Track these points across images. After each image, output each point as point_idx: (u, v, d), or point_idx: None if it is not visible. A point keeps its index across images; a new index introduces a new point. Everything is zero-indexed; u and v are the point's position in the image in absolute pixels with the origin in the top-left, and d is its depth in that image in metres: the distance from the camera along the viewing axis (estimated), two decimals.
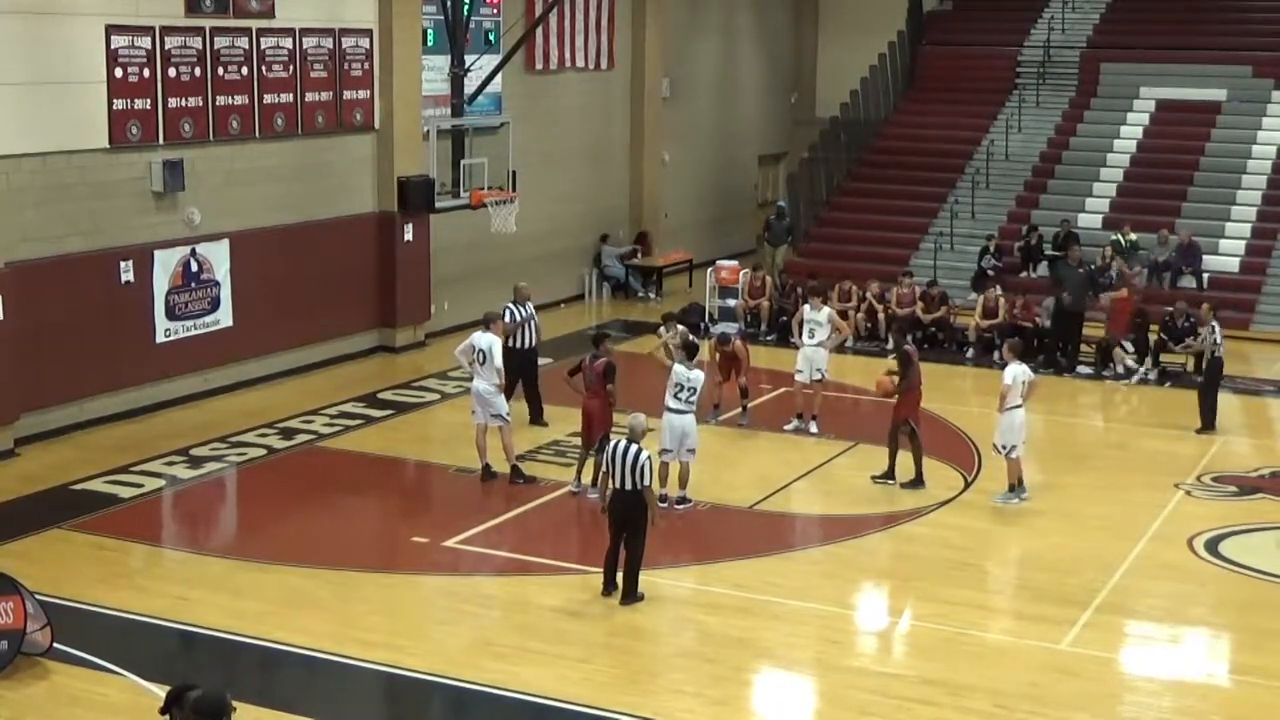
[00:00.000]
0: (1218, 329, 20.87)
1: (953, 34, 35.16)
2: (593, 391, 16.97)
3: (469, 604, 14.15)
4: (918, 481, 17.67)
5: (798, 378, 20.16)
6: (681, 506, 16.68)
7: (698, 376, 16.79)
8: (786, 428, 20.08)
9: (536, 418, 19.84)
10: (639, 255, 30.18)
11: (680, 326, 20.18)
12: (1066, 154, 31.30)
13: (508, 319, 19.24)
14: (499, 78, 25.27)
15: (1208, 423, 20.49)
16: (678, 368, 16.83)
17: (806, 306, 20.63)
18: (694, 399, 16.69)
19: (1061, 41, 33.86)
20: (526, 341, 19.76)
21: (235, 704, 8.52)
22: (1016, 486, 17.23)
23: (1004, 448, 17.14)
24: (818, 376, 19.86)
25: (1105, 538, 16.14)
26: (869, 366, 23.88)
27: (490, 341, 17.46)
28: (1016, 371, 17.12)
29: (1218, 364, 20.75)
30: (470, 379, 17.85)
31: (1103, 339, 24.16)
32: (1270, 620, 14.07)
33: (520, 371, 19.44)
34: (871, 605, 14.74)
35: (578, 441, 17.38)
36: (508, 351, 18.30)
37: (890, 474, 17.77)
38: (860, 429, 19.20)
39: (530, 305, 20.06)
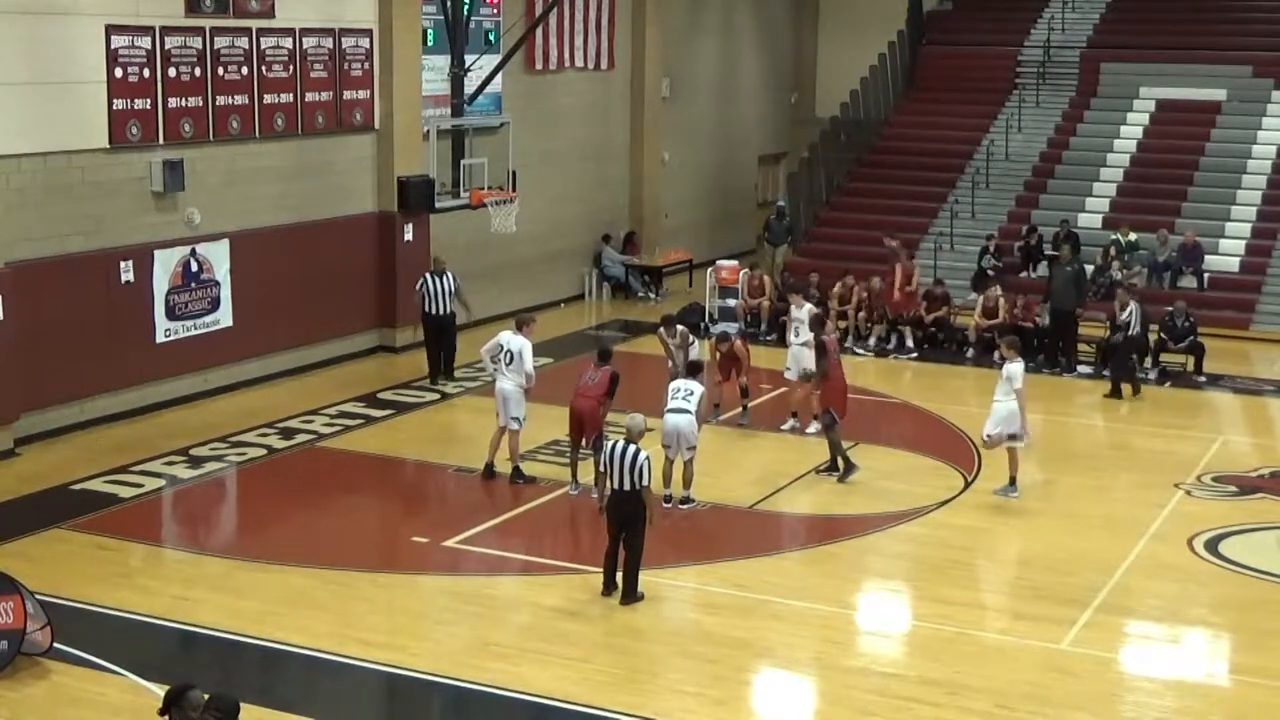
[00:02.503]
0: (1137, 310, 22.59)
1: (953, 34, 35.16)
2: (587, 393, 17.00)
3: (469, 604, 14.15)
4: (834, 469, 17.86)
5: (786, 375, 20.27)
6: (686, 506, 16.70)
7: (698, 387, 17.05)
8: (783, 427, 20.08)
9: (441, 372, 22.22)
10: (627, 251, 30.15)
11: (680, 327, 20.20)
12: (1066, 154, 31.30)
13: (418, 286, 22.11)
14: (499, 78, 25.27)
15: (1115, 390, 22.26)
16: (679, 381, 17.22)
17: (791, 305, 20.75)
18: (691, 398, 16.77)
19: (1061, 41, 33.86)
20: (440, 308, 21.97)
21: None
22: (1007, 484, 17.27)
23: (992, 437, 17.13)
24: (805, 375, 19.84)
25: (1105, 538, 16.14)
26: (868, 366, 23.92)
27: (521, 344, 17.51)
28: (1021, 369, 17.16)
29: (1131, 341, 22.51)
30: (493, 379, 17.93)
31: (1103, 339, 24.17)
32: (1270, 620, 14.07)
33: (436, 334, 22.18)
34: (871, 605, 14.73)
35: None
36: (423, 315, 22.10)
37: (833, 465, 17.92)
38: (860, 428, 19.19)
39: (448, 275, 22.06)
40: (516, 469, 17.52)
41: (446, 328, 22.27)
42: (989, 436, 17.25)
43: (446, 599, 14.35)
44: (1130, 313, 22.61)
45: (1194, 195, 29.49)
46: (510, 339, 17.64)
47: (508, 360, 17.51)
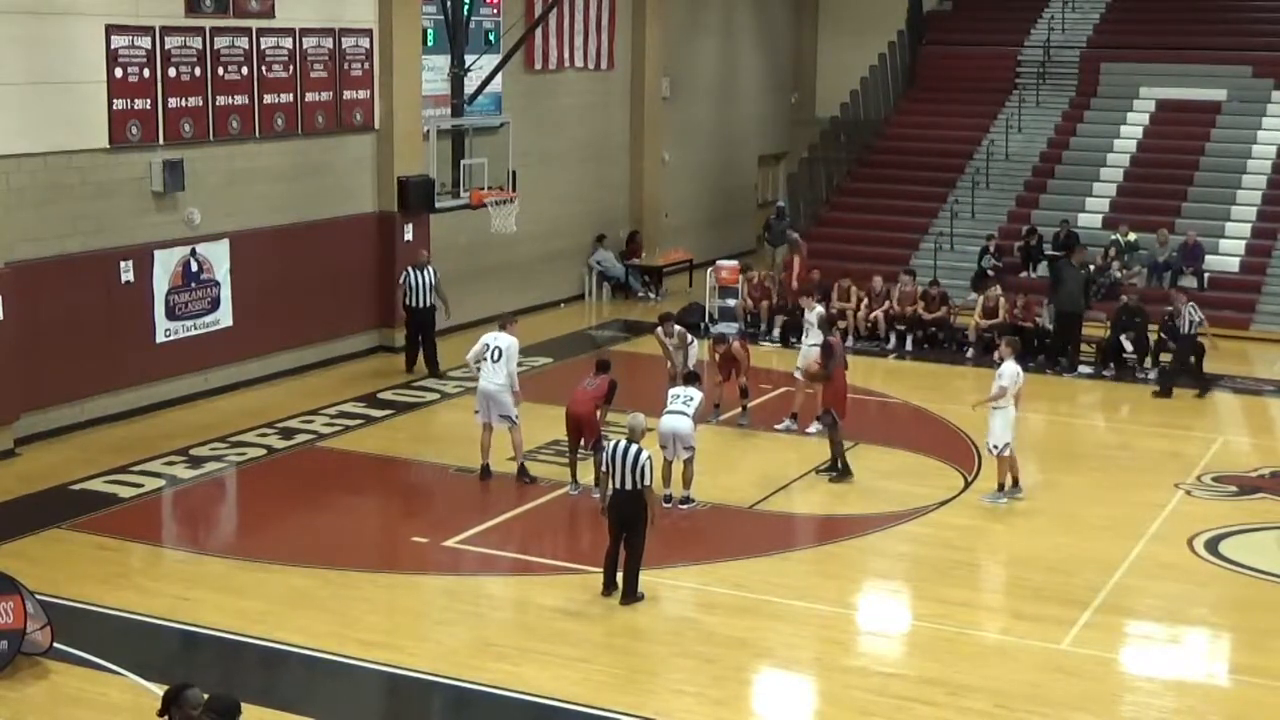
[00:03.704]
0: (1196, 310, 22.83)
1: (953, 34, 35.16)
2: (583, 398, 17.03)
3: (469, 604, 14.16)
4: (835, 471, 17.86)
5: (795, 375, 20.29)
6: (685, 506, 16.71)
7: (697, 393, 17.11)
8: (778, 427, 20.06)
9: (432, 366, 22.64)
10: (629, 251, 30.22)
11: (679, 327, 20.19)
12: (1066, 154, 31.30)
13: (401, 280, 22.63)
14: (499, 78, 25.27)
15: (1204, 388, 22.50)
16: (678, 388, 17.25)
17: (804, 307, 20.80)
18: (690, 404, 16.84)
19: (1061, 41, 33.87)
20: (422, 301, 22.43)
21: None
22: (1010, 487, 17.21)
23: (995, 447, 17.12)
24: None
25: (1105, 538, 16.14)
26: (870, 366, 23.93)
27: (510, 342, 17.53)
28: (1016, 370, 17.14)
29: (1186, 340, 22.79)
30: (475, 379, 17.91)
31: (1103, 338, 24.18)
32: (1270, 620, 14.07)
33: (418, 326, 22.64)
34: (871, 605, 14.73)
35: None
36: (407, 310, 22.56)
37: (834, 465, 17.91)
38: (860, 428, 19.20)
39: (429, 270, 22.56)
40: (521, 467, 17.50)
41: (427, 321, 22.70)
42: (994, 447, 17.17)
43: (446, 599, 14.35)
44: (1193, 312, 22.85)
45: (1194, 195, 29.50)
46: (496, 337, 17.62)
47: (494, 357, 17.47)
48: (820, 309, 20.63)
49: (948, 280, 26.83)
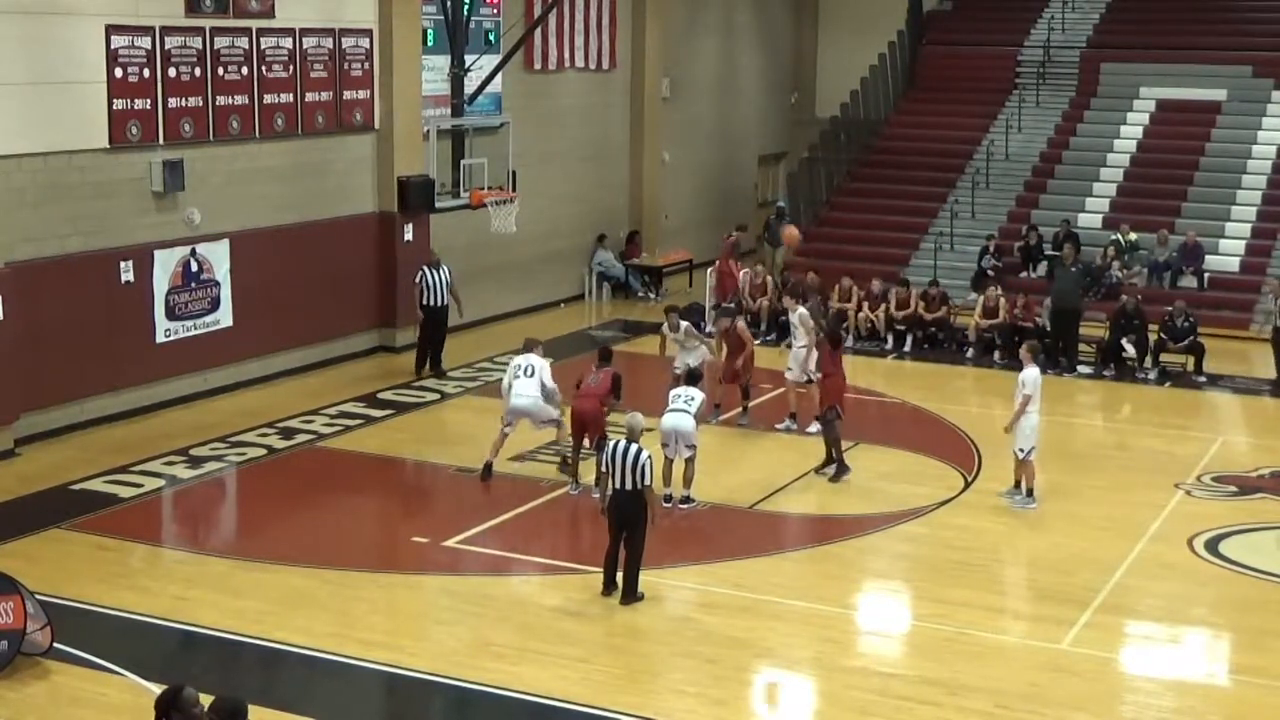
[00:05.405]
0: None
1: (953, 34, 35.16)
2: (588, 394, 17.04)
3: (469, 604, 14.15)
4: (833, 466, 17.87)
5: (787, 375, 20.32)
6: (685, 506, 16.71)
7: (699, 394, 17.10)
8: (778, 426, 20.07)
9: (436, 366, 22.78)
10: (629, 251, 30.22)
11: (684, 323, 20.18)
12: (1066, 154, 31.31)
13: (417, 279, 22.69)
14: (499, 78, 25.27)
15: None
16: (680, 388, 17.27)
17: (788, 309, 20.88)
18: (692, 404, 16.84)
19: (1061, 41, 33.87)
20: (437, 300, 22.65)
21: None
22: (1023, 495, 17.15)
23: (1021, 450, 17.00)
24: (804, 378, 19.84)
25: (1105, 538, 16.14)
26: (870, 366, 23.93)
27: (542, 363, 17.56)
28: (1035, 375, 17.05)
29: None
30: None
31: (1103, 339, 24.17)
32: (1270, 620, 14.07)
33: (433, 325, 22.75)
34: (871, 605, 14.74)
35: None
36: (423, 309, 22.61)
37: (829, 460, 17.94)
38: (860, 428, 19.19)
39: (443, 268, 22.76)
40: (564, 459, 17.52)
41: (442, 320, 22.85)
42: (1022, 450, 17.07)
43: (446, 599, 14.36)
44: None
45: (1194, 195, 29.50)
46: (525, 358, 17.66)
47: (528, 373, 17.47)
48: (803, 310, 20.56)
49: (948, 280, 26.83)
